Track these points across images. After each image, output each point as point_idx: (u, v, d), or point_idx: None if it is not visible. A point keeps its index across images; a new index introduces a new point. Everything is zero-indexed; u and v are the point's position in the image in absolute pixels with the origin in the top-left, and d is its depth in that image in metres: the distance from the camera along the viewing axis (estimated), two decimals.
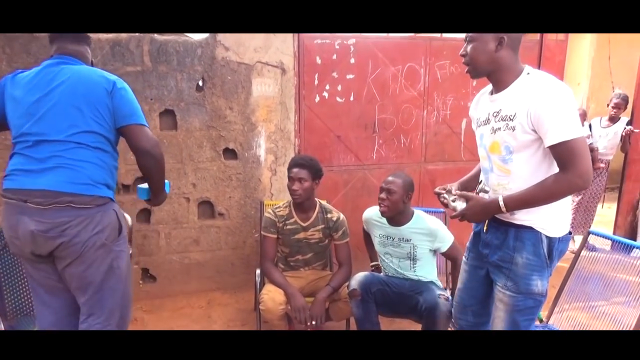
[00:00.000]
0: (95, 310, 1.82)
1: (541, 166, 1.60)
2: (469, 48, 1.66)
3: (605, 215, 5.45)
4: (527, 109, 1.53)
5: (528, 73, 1.63)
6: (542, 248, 1.65)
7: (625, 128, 4.27)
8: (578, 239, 4.36)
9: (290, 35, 3.21)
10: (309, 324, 2.39)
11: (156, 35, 3.00)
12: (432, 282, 2.50)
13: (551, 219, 1.65)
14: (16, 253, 1.82)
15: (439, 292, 2.37)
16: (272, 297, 2.45)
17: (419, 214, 2.51)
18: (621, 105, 4.36)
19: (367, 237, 2.75)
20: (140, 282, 3.37)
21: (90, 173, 1.71)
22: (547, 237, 1.65)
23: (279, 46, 3.21)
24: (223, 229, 3.44)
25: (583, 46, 6.70)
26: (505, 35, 1.60)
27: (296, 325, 2.54)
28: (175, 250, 3.39)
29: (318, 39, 3.32)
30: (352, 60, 3.41)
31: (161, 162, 1.84)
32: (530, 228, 1.65)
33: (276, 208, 2.67)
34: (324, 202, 2.73)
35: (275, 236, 2.62)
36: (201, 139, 3.23)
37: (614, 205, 4.73)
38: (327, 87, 3.41)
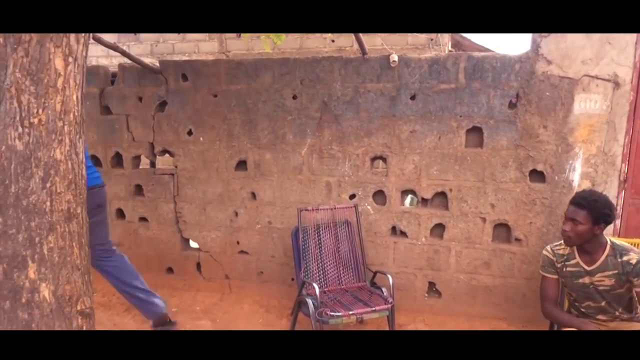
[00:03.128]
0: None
1: None
2: None
3: None
4: None
5: None
6: None
7: None
8: None
9: (631, 42, 2.74)
10: None
11: (474, 53, 3.00)
12: None
13: None
14: None
15: None
16: None
17: None
18: None
19: None
20: (426, 295, 3.42)
21: None
22: None
23: (615, 57, 2.77)
24: (518, 255, 3.19)
25: None
26: None
27: None
28: (464, 270, 3.31)
29: None
30: None
31: None
32: None
33: (555, 246, 2.31)
34: (617, 241, 2.19)
35: (555, 277, 2.30)
36: (507, 159, 3.07)
37: None
38: None
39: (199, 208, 3.69)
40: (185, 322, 3.22)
